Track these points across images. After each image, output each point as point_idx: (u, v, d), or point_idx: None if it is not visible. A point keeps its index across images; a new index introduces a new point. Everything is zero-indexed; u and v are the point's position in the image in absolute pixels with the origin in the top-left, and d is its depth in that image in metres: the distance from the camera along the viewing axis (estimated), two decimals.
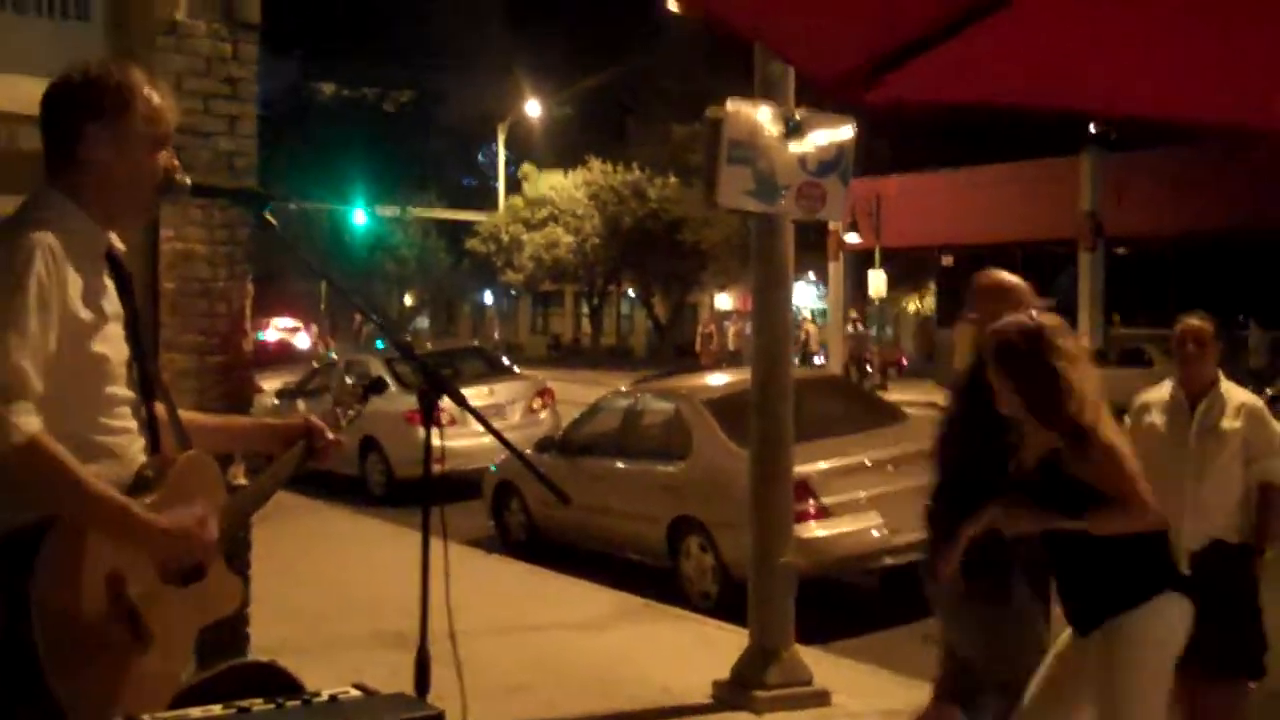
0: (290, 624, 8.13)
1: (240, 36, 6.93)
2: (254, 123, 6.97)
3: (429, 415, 3.18)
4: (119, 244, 3.10)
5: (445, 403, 3.29)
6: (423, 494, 3.29)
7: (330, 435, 3.49)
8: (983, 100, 3.28)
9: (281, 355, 28.99)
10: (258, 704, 2.31)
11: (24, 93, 5.37)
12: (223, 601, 3.19)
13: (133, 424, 3.04)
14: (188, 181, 3.16)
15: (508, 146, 47.94)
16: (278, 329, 47.11)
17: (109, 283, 3.02)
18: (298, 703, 2.33)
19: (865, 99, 2.79)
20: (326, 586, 10.14)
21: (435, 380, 3.23)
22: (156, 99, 3.02)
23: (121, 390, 3.00)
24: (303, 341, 45.20)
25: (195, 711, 2.34)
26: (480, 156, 58.12)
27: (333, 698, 2.39)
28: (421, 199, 50.58)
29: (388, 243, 52.28)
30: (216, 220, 6.80)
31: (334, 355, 23.77)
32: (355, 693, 2.44)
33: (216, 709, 2.34)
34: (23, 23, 6.44)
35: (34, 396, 2.69)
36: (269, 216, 3.25)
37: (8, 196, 5.14)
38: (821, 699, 6.97)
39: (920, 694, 7.09)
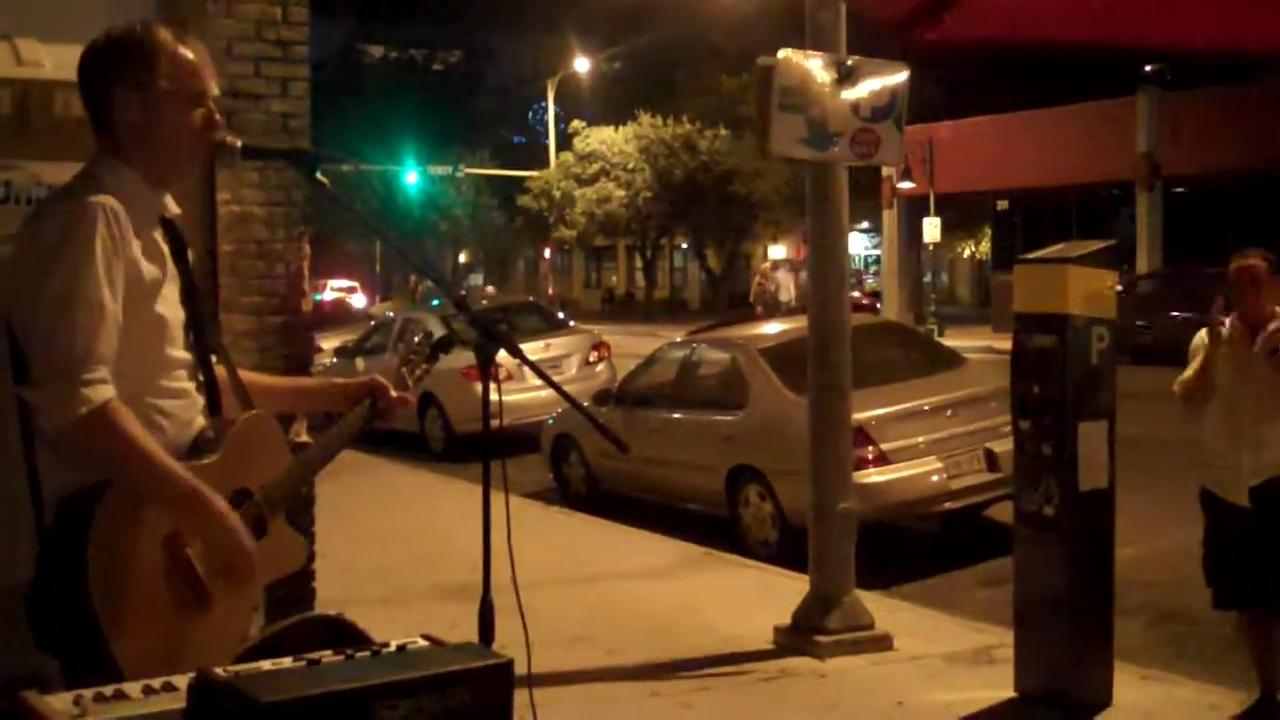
0: (354, 578, 8.24)
1: None
2: (306, 85, 6.98)
3: (485, 370, 3.19)
4: (174, 208, 3.13)
5: (502, 358, 3.30)
6: (483, 448, 3.31)
7: (394, 393, 3.50)
8: (1039, 38, 3.25)
9: (338, 315, 29.14)
10: (327, 655, 2.34)
11: (75, 59, 5.44)
12: (286, 558, 3.22)
13: (190, 386, 3.06)
14: (238, 143, 3.19)
15: (558, 103, 47.86)
16: (334, 289, 47.45)
17: (164, 246, 3.05)
18: (367, 653, 2.36)
19: (921, 40, 2.78)
20: (389, 541, 10.26)
21: (492, 335, 3.24)
22: (187, 55, 2.99)
23: (179, 352, 3.02)
24: (359, 301, 45.51)
25: (266, 663, 2.38)
26: (530, 114, 58.06)
27: (401, 648, 2.42)
28: (473, 158, 50.65)
29: (440, 202, 52.48)
30: (273, 182, 6.83)
31: (390, 314, 23.90)
32: (423, 643, 2.47)
33: (287, 661, 2.38)
34: None
35: (107, 365, 2.71)
36: (320, 176, 3.26)
37: (66, 164, 5.22)
38: (883, 643, 6.99)
39: (982, 636, 7.13)
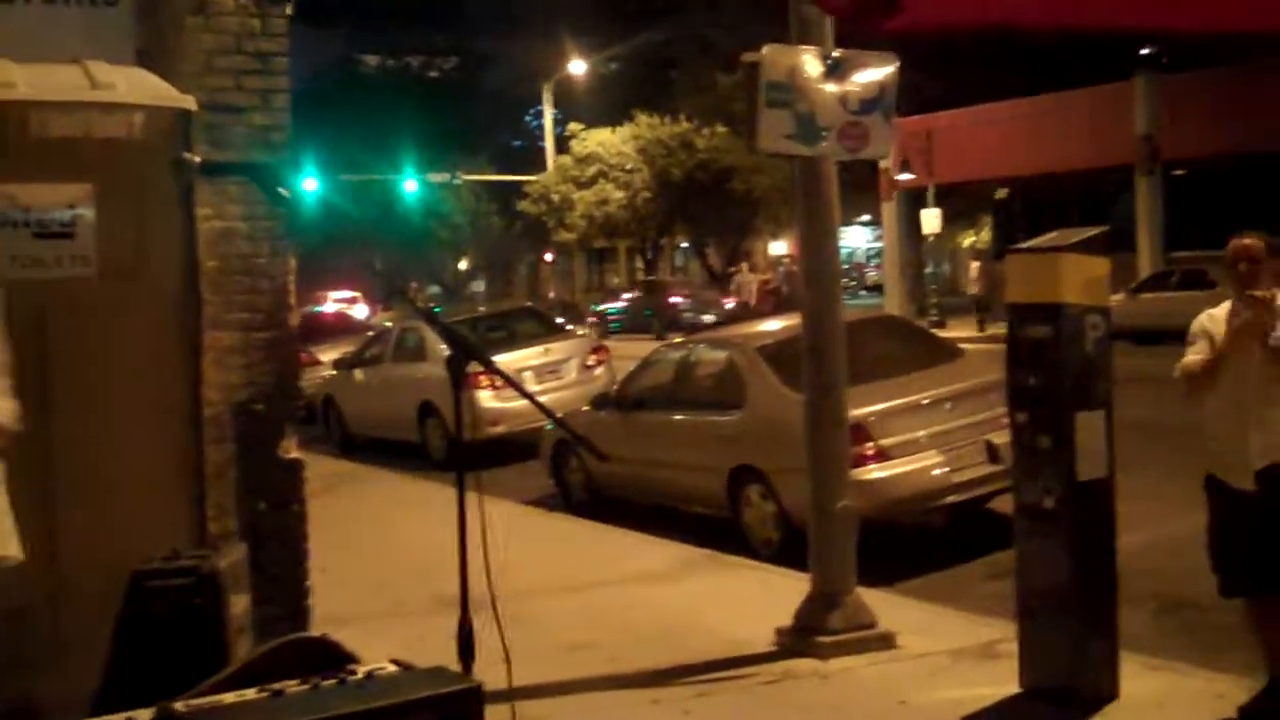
0: (354, 592, 8.19)
1: (269, 11, 6.88)
2: (288, 97, 6.92)
3: (458, 381, 3.14)
4: None
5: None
6: (457, 462, 3.26)
7: None
8: (1009, 21, 3.17)
9: (340, 326, 29.09)
10: (292, 685, 2.28)
11: (57, 81, 5.37)
12: None
13: None
14: (197, 160, 3.13)
15: (554, 106, 47.77)
16: (335, 301, 47.40)
17: None
18: (333, 682, 2.30)
19: (882, 29, 2.71)
20: (389, 553, 10.20)
21: (462, 346, 3.20)
22: None
23: None
24: (361, 312, 45.45)
25: (229, 696, 2.32)
26: (527, 118, 58.01)
27: (369, 675, 2.36)
28: (471, 163, 50.59)
29: (439, 209, 52.41)
30: (255, 197, 6.76)
31: (388, 323, 23.88)
32: (392, 668, 2.41)
33: (250, 693, 2.32)
34: (52, 11, 6.42)
35: None
36: (281, 190, 3.20)
37: (41, 184, 5.16)
38: (886, 641, 6.93)
39: (987, 631, 7.06)
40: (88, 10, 6.49)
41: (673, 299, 38.74)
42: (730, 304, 36.10)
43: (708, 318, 33.87)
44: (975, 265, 31.96)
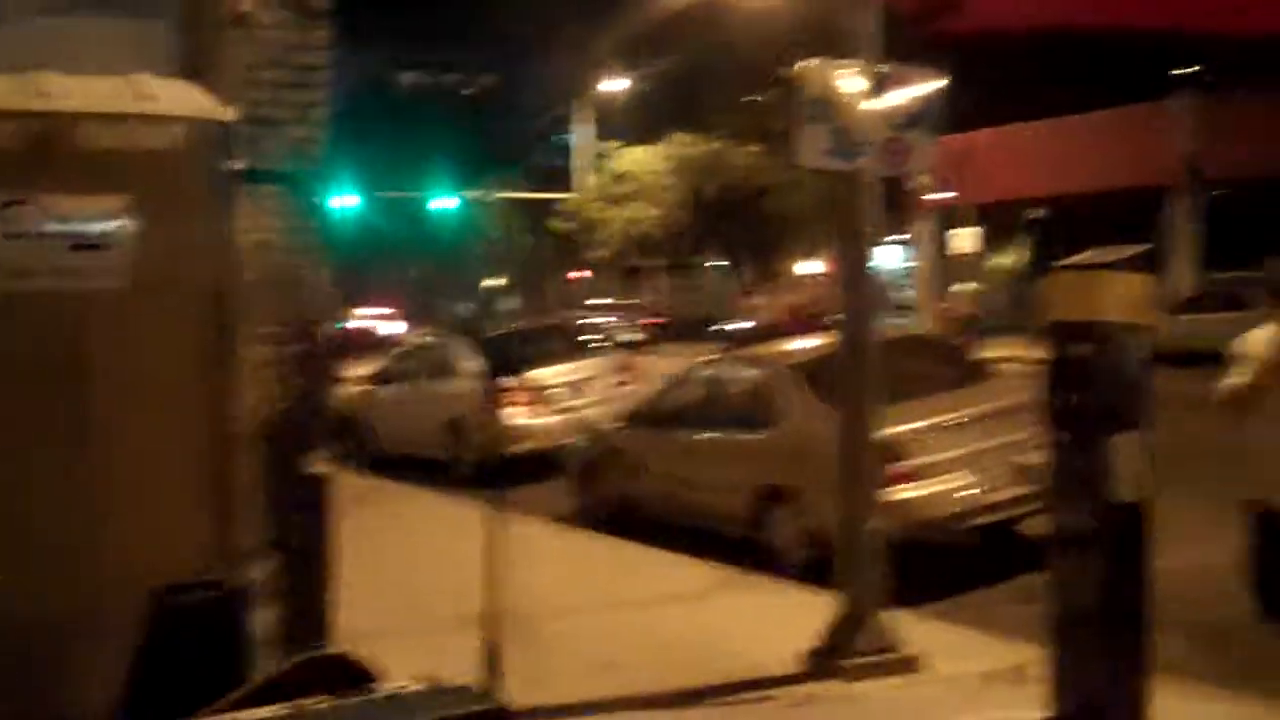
0: (380, 608, 8.16)
1: (309, 25, 6.91)
2: (326, 110, 6.94)
3: (490, 395, 3.13)
4: None
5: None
6: (495, 475, 3.26)
7: None
8: (1069, 24, 3.13)
9: (368, 342, 29.18)
10: (314, 702, 2.28)
11: (98, 92, 5.41)
12: None
13: None
14: (234, 166, 3.14)
15: (588, 124, 47.88)
16: (364, 317, 47.58)
17: None
18: (357, 700, 2.30)
19: (948, 30, 2.68)
20: (415, 569, 10.18)
21: (498, 360, 3.19)
22: None
23: None
24: (394, 328, 45.54)
25: (251, 712, 2.32)
26: (560, 136, 58.22)
27: (394, 692, 2.35)
28: (505, 181, 50.79)
29: (474, 225, 52.61)
30: (291, 210, 6.79)
31: (425, 339, 23.95)
32: (417, 686, 2.40)
33: (272, 709, 2.32)
34: (95, 25, 6.47)
35: None
36: (314, 199, 3.21)
37: (87, 196, 5.19)
38: (913, 664, 6.87)
39: (1017, 654, 6.98)
40: (130, 23, 6.53)
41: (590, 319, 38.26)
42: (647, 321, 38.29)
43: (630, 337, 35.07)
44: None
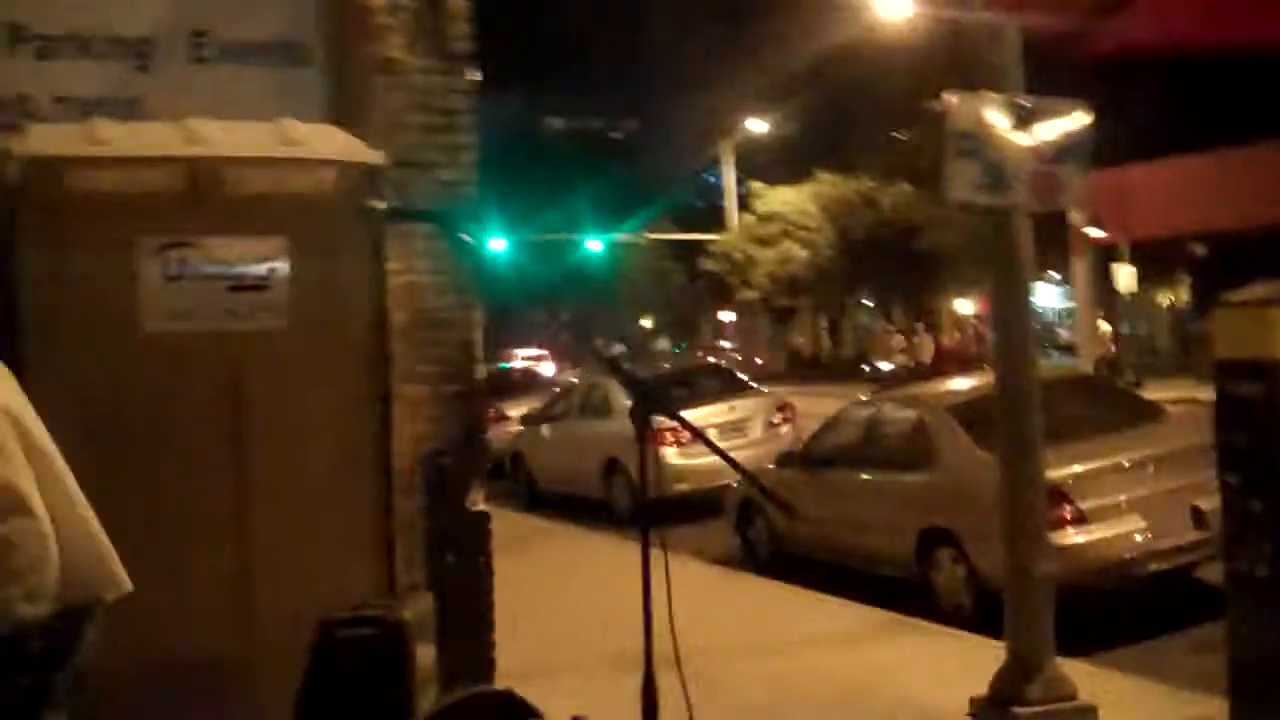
0: (537, 647, 8.14)
1: (454, 69, 7.00)
2: (474, 153, 7.01)
3: (642, 434, 3.06)
4: None
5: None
6: (657, 515, 3.19)
7: None
8: (1226, 39, 2.97)
9: (526, 383, 29.38)
10: None
11: (251, 138, 5.51)
12: None
13: None
14: (383, 206, 3.13)
15: (734, 165, 48.05)
16: (523, 358, 48.17)
17: None
18: None
19: (1097, 52, 2.55)
20: (572, 608, 10.17)
21: (649, 399, 3.12)
22: None
23: None
24: (547, 369, 46.07)
25: None
26: (707, 176, 58.55)
27: None
28: (653, 222, 51.18)
29: (623, 267, 53.07)
30: (442, 251, 6.85)
31: (575, 379, 24.08)
32: None
33: None
34: (247, 72, 6.63)
35: None
36: (467, 240, 3.19)
37: (238, 238, 5.28)
38: (1087, 715, 6.58)
39: (1195, 707, 6.67)
40: (280, 70, 6.69)
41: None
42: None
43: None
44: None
